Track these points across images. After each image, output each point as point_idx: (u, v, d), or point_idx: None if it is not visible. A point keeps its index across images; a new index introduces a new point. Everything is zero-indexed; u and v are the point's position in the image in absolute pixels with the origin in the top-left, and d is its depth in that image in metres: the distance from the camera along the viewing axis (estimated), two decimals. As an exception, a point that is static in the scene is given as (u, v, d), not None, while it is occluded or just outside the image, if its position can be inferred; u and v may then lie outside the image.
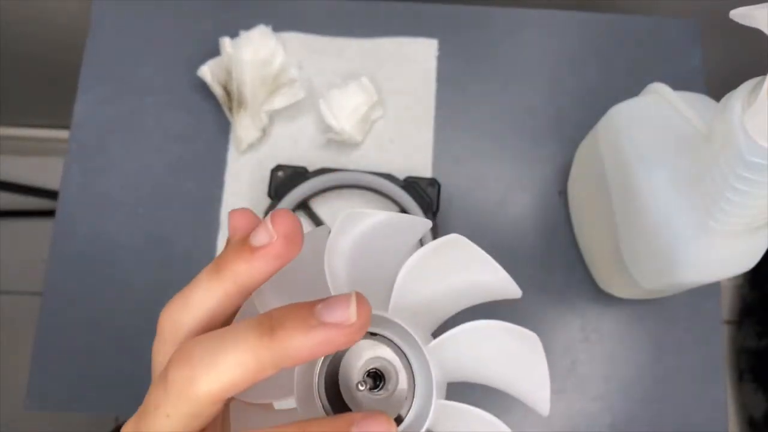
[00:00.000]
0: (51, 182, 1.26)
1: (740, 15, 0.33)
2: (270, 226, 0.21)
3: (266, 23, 0.63)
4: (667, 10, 0.74)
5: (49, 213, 1.31)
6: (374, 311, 0.22)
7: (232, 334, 0.20)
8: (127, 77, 0.65)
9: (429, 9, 0.67)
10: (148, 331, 0.64)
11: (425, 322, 0.24)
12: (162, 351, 0.23)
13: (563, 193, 0.62)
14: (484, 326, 0.24)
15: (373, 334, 0.23)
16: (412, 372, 0.23)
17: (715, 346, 0.59)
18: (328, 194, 0.61)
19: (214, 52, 0.63)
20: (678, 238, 0.42)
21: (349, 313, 0.20)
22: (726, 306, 1.29)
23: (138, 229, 0.61)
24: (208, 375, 0.19)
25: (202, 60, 0.63)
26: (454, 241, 0.23)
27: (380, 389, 0.23)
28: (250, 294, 0.23)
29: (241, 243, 0.21)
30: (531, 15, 0.67)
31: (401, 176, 0.59)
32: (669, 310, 0.60)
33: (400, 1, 0.67)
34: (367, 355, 0.23)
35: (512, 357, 0.24)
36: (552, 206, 0.62)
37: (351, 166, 0.62)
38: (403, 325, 0.23)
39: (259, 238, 0.21)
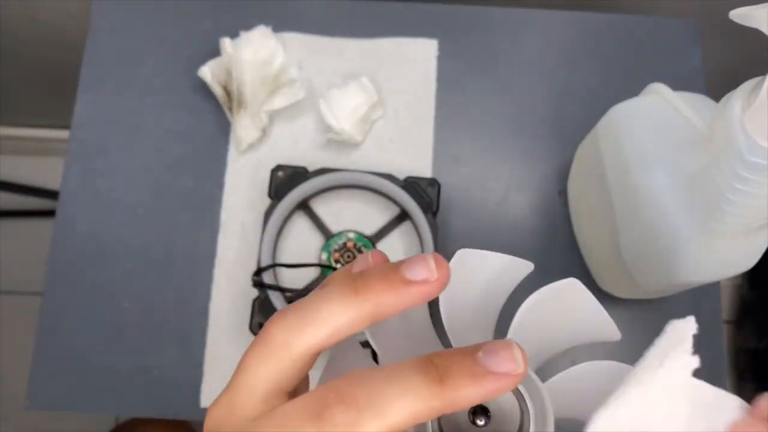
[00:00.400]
0: (51, 182, 1.26)
1: (740, 15, 0.33)
2: (432, 264, 0.21)
3: (266, 23, 0.63)
4: (667, 10, 0.74)
5: (49, 213, 1.31)
6: None
7: (397, 379, 0.20)
8: (128, 77, 0.65)
9: (429, 9, 0.67)
10: (149, 330, 0.64)
11: (532, 359, 0.24)
12: (269, 365, 0.22)
13: (563, 193, 0.62)
14: (600, 367, 0.24)
15: None
16: (528, 408, 0.23)
17: (716, 346, 0.59)
18: (328, 194, 0.61)
19: (215, 52, 0.63)
20: (678, 237, 0.42)
21: (517, 363, 0.20)
22: (726, 306, 1.29)
23: (138, 229, 0.61)
24: (376, 421, 0.19)
25: (203, 60, 0.63)
26: (571, 285, 0.24)
27: (485, 424, 0.24)
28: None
29: (390, 272, 0.21)
30: (531, 15, 0.67)
31: (401, 176, 0.59)
32: (669, 310, 0.60)
33: (400, 1, 0.67)
34: None
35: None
36: (552, 206, 0.62)
37: (351, 166, 0.62)
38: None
39: (418, 273, 0.21)
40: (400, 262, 0.22)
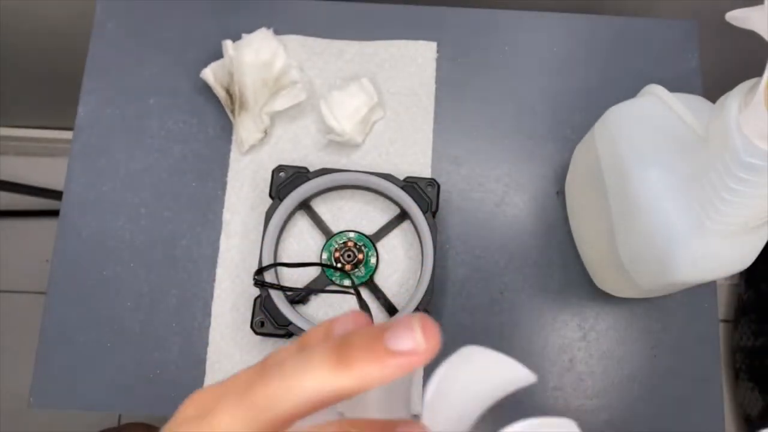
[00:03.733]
0: (53, 182, 1.27)
1: (736, 17, 0.34)
2: (419, 333, 0.20)
3: (267, 26, 0.64)
4: (664, 12, 0.75)
5: (50, 213, 1.31)
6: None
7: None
8: (130, 79, 0.66)
9: (428, 12, 0.67)
10: (151, 330, 0.65)
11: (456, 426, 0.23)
12: (245, 424, 0.21)
13: (561, 194, 0.63)
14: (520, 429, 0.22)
15: None
16: None
17: (712, 344, 0.60)
18: (328, 194, 0.62)
19: (217, 54, 0.63)
20: (674, 237, 0.43)
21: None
22: (722, 305, 1.29)
23: (141, 230, 0.62)
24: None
25: (205, 62, 0.63)
26: (468, 353, 0.22)
27: None
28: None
29: (374, 341, 0.20)
30: (529, 17, 0.67)
31: (401, 176, 0.60)
32: (666, 309, 0.60)
33: (400, 4, 0.68)
34: None
35: None
36: (550, 206, 0.63)
37: (351, 167, 0.62)
38: None
39: (403, 343, 0.20)
40: (385, 329, 0.20)
